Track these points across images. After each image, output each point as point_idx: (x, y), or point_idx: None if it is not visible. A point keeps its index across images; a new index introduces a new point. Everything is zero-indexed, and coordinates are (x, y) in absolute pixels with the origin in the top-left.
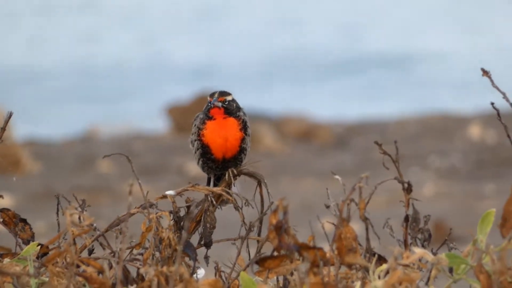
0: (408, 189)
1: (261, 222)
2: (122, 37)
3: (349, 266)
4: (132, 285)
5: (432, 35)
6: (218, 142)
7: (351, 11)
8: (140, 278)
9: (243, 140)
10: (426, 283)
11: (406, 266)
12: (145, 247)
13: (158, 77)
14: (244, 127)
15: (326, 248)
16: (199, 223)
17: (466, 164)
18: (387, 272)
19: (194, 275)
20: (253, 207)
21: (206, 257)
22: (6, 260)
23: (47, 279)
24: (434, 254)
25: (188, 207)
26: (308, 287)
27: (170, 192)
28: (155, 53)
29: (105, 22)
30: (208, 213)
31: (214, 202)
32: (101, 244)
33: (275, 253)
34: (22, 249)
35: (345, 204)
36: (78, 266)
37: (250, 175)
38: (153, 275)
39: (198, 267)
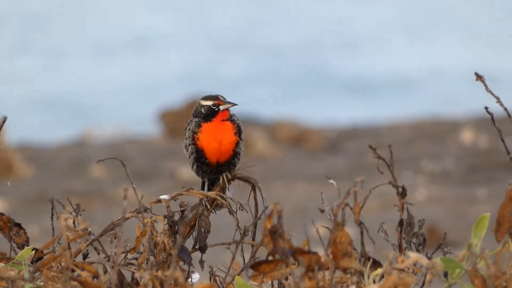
0: (403, 194)
1: (255, 227)
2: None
3: (344, 270)
4: None
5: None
6: (213, 146)
7: (336, 11)
8: (135, 282)
9: (237, 144)
10: (421, 287)
11: (401, 270)
12: (139, 252)
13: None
14: (238, 131)
15: (321, 252)
16: (193, 227)
17: (458, 169)
18: (382, 277)
19: (189, 280)
20: (247, 212)
21: (201, 261)
22: (1, 265)
23: (42, 283)
24: (429, 258)
25: (183, 211)
26: None
27: (164, 197)
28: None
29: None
30: (202, 218)
31: (209, 207)
32: (95, 249)
33: (270, 258)
34: (16, 254)
35: (340, 209)
36: (73, 271)
37: (244, 179)
38: (148, 280)
39: (193, 272)
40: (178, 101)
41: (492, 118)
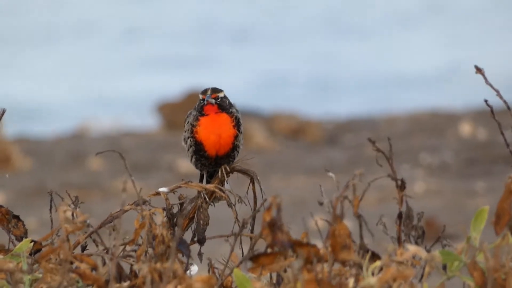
0: (402, 186)
1: (254, 219)
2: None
3: (343, 263)
4: (125, 281)
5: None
6: (212, 139)
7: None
8: (134, 274)
9: (236, 137)
10: (420, 280)
11: (400, 263)
12: (138, 244)
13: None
14: (237, 124)
15: (320, 245)
16: (192, 220)
17: (457, 161)
18: (381, 269)
19: (188, 272)
20: (246, 204)
21: (200, 254)
22: (0, 257)
23: (40, 275)
24: (428, 251)
25: (181, 204)
26: (301, 284)
27: (163, 189)
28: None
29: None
30: (201, 210)
31: (207, 199)
32: (94, 241)
33: (269, 250)
34: (15, 246)
35: (339, 201)
36: (71, 263)
37: (243, 172)
38: (147, 272)
39: (192, 264)
40: (176, 93)
41: (492, 111)
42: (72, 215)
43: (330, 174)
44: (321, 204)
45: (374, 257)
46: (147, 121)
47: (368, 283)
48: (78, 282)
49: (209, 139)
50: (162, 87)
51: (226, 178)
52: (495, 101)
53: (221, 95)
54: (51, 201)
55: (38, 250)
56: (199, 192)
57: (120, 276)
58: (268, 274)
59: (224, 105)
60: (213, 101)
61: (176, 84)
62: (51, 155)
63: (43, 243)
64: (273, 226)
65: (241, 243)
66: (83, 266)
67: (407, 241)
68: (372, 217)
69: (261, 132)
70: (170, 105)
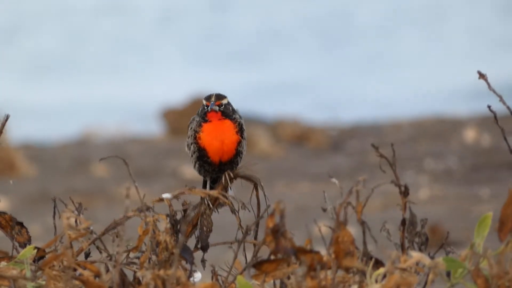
0: (405, 193)
1: (257, 226)
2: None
3: (346, 269)
4: None
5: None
6: (215, 145)
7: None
8: (137, 281)
9: (239, 143)
10: (424, 287)
11: (403, 270)
12: (141, 251)
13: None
14: (240, 130)
15: (323, 251)
16: (195, 226)
17: (461, 167)
18: (385, 276)
19: (191, 279)
20: (249, 210)
21: (203, 261)
22: (3, 264)
23: (44, 282)
24: (431, 257)
25: (185, 210)
26: None
27: (166, 195)
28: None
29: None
30: (204, 216)
31: (211, 205)
32: (97, 248)
33: (272, 257)
34: (18, 253)
35: (342, 208)
36: (75, 270)
37: (247, 178)
38: (150, 279)
39: (195, 271)
40: (180, 99)
41: (495, 117)
42: (76, 221)
43: (334, 180)
44: (324, 210)
45: (378, 264)
46: (151, 127)
47: None
48: None
49: (212, 145)
50: (166, 92)
51: (229, 184)
52: (498, 107)
53: (224, 101)
54: (54, 207)
55: (42, 257)
56: (202, 198)
57: (123, 283)
58: (272, 281)
59: (227, 112)
60: (217, 108)
61: (180, 88)
62: (56, 161)
63: (47, 250)
64: (277, 232)
65: (244, 249)
66: (87, 273)
67: (410, 247)
68: (376, 223)
69: (265, 138)
70: (174, 111)
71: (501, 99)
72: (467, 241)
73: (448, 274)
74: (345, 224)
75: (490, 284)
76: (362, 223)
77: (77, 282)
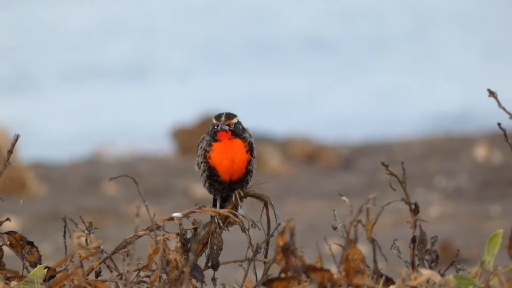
0: (415, 210)
1: (268, 244)
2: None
3: (357, 287)
4: None
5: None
6: (225, 165)
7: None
8: None
9: (249, 162)
10: None
11: (414, 287)
12: (152, 269)
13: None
14: (250, 149)
15: (334, 269)
16: (206, 245)
17: (472, 185)
18: None
19: None
20: (259, 229)
21: (214, 279)
22: (14, 283)
23: None
24: (442, 275)
25: (195, 229)
26: None
27: (176, 214)
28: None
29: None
30: (215, 235)
31: (221, 224)
32: (108, 267)
33: (282, 275)
34: (29, 272)
35: (352, 226)
36: None
37: (257, 196)
38: None
39: None
40: (190, 118)
41: (505, 134)
42: (86, 240)
43: (344, 198)
44: (334, 228)
45: (388, 281)
46: (162, 146)
47: None
48: None
49: (222, 164)
50: (176, 111)
51: (239, 203)
52: (509, 125)
53: (234, 121)
54: (65, 226)
55: (52, 276)
56: (212, 217)
57: None
58: None
59: (237, 131)
60: (227, 128)
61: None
62: (67, 180)
63: (57, 269)
64: (287, 250)
65: (255, 268)
66: None
67: (421, 265)
68: (387, 241)
69: (276, 157)
70: (185, 130)
71: (511, 116)
72: (478, 258)
73: None
74: (355, 242)
75: None
76: (372, 241)
77: None
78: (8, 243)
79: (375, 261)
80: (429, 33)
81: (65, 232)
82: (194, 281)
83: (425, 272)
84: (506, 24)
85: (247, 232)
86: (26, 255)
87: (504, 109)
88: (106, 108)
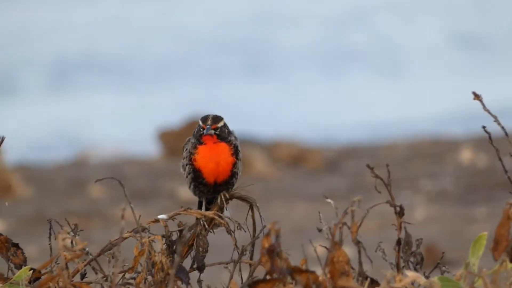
0: (400, 213)
1: (253, 246)
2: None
3: None
4: None
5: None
6: (210, 167)
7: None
8: None
9: (234, 164)
10: None
11: None
12: (137, 271)
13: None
14: (235, 152)
15: (319, 271)
16: (191, 247)
17: (457, 188)
18: None
19: None
20: (245, 231)
21: (199, 281)
22: None
23: None
24: (427, 277)
25: (181, 231)
26: None
27: (162, 216)
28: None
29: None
30: (200, 237)
31: (207, 226)
32: (93, 269)
33: (268, 277)
34: (14, 274)
35: (338, 228)
36: None
37: (242, 199)
38: None
39: None
40: (177, 120)
41: (490, 137)
42: (72, 242)
43: (329, 200)
44: (320, 230)
45: (373, 283)
46: (148, 148)
47: None
48: None
49: (208, 166)
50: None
51: (225, 205)
52: (494, 128)
53: (220, 124)
54: (50, 228)
55: (37, 278)
56: (198, 219)
57: None
58: None
59: (223, 135)
60: (213, 132)
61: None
62: (52, 183)
63: (42, 271)
64: (272, 252)
65: (240, 270)
66: None
67: (406, 267)
68: (373, 243)
69: (261, 159)
70: (171, 132)
71: (496, 119)
72: (463, 260)
73: None
74: (341, 244)
75: None
76: (358, 243)
77: None
78: None
79: (360, 263)
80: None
81: (50, 234)
82: (179, 283)
83: (410, 274)
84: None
85: (232, 234)
86: (11, 257)
87: (489, 112)
88: (92, 110)
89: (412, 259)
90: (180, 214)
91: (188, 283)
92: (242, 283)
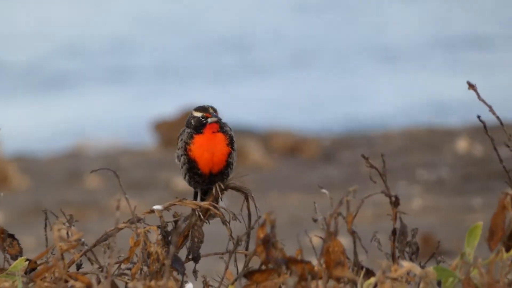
0: (395, 203)
1: (248, 236)
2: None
3: (337, 279)
4: None
5: None
6: (205, 157)
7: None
8: None
9: (229, 155)
10: None
11: (394, 279)
12: (133, 262)
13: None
14: (230, 142)
15: (314, 261)
16: (187, 237)
17: (453, 178)
18: (375, 286)
19: None
20: (240, 221)
21: (194, 271)
22: None
23: None
24: (422, 267)
25: (176, 221)
26: None
27: (157, 207)
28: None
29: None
30: (195, 228)
31: (202, 217)
32: (89, 259)
33: (263, 267)
34: (10, 265)
35: (333, 218)
36: (66, 281)
37: (237, 189)
38: None
39: (186, 282)
40: (172, 111)
41: (485, 127)
42: (67, 233)
43: (324, 190)
44: (315, 221)
45: (369, 273)
46: (144, 139)
47: None
48: None
49: (203, 157)
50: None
51: (220, 195)
52: (489, 118)
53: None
54: (46, 219)
55: (33, 269)
56: (193, 210)
57: None
58: None
59: (221, 124)
60: (221, 119)
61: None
62: (48, 174)
63: (38, 262)
64: (267, 243)
65: (235, 260)
66: (78, 285)
67: (401, 257)
68: (368, 233)
69: (257, 150)
70: (166, 123)
71: (490, 109)
72: (459, 250)
73: (439, 284)
74: (336, 234)
75: None
76: (353, 233)
77: None
78: None
79: (355, 253)
80: None
81: (46, 225)
82: (175, 273)
83: (406, 264)
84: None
85: (228, 224)
86: (7, 248)
87: (484, 102)
88: (88, 101)
89: (407, 249)
90: (175, 204)
91: (183, 274)
92: (237, 273)
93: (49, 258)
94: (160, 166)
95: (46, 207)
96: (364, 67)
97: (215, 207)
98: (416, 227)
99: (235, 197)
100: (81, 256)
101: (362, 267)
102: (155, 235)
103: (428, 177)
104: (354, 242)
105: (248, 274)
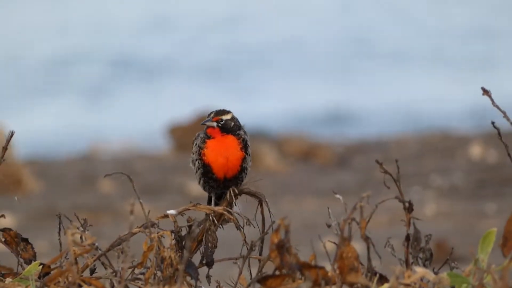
0: (409, 208)
1: (262, 241)
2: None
3: (351, 285)
4: None
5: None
6: (219, 162)
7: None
8: None
9: (244, 159)
10: None
11: (408, 285)
12: (146, 267)
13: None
14: (244, 147)
15: (328, 267)
16: (200, 242)
17: (467, 183)
18: None
19: None
20: (254, 226)
21: (208, 276)
22: (8, 280)
23: None
24: (436, 273)
25: (190, 226)
26: None
27: (171, 212)
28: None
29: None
30: (209, 233)
31: (216, 222)
32: (103, 264)
33: (277, 272)
34: (24, 269)
35: (347, 224)
36: (80, 286)
37: (251, 194)
38: None
39: (200, 287)
40: (187, 115)
41: (499, 133)
42: (81, 237)
43: (338, 196)
44: (329, 226)
45: (382, 279)
46: (158, 143)
47: None
48: None
49: (217, 161)
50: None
51: (234, 200)
52: (503, 123)
53: (226, 117)
54: (60, 223)
55: (47, 273)
56: (207, 215)
57: None
58: None
59: (227, 128)
60: (215, 124)
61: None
62: (62, 178)
63: (52, 266)
64: (281, 248)
65: (249, 265)
66: None
67: (415, 263)
68: (382, 239)
69: (271, 154)
70: (181, 127)
71: (504, 115)
72: (473, 256)
73: None
74: (350, 240)
75: None
76: (366, 239)
77: None
78: (3, 240)
79: (369, 259)
80: None
81: (60, 229)
82: (188, 278)
83: (419, 270)
84: None
85: (241, 229)
86: (20, 252)
87: (498, 107)
88: (102, 105)
89: (421, 255)
90: (189, 209)
91: (197, 279)
92: (251, 278)
93: (62, 262)
94: (174, 171)
95: (60, 211)
96: (376, 69)
97: (229, 212)
98: (429, 233)
99: (249, 202)
100: (95, 260)
101: (375, 273)
102: (169, 240)
103: (442, 183)
104: (368, 248)
105: (262, 279)
